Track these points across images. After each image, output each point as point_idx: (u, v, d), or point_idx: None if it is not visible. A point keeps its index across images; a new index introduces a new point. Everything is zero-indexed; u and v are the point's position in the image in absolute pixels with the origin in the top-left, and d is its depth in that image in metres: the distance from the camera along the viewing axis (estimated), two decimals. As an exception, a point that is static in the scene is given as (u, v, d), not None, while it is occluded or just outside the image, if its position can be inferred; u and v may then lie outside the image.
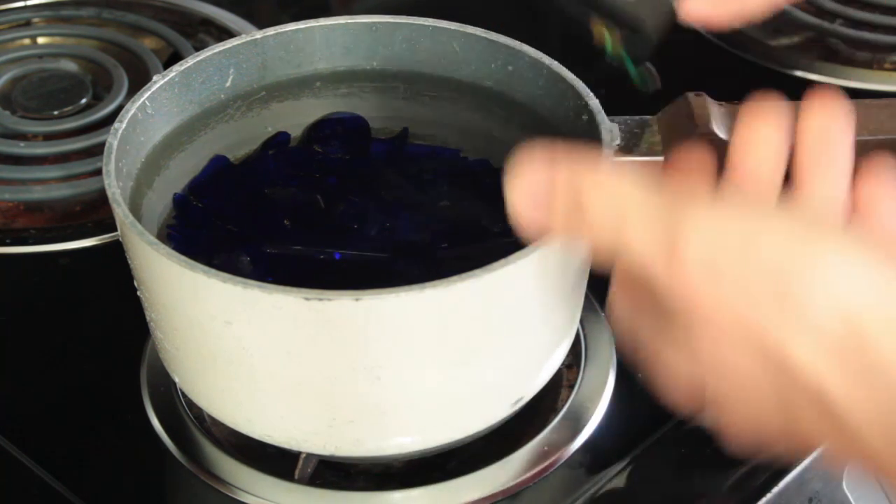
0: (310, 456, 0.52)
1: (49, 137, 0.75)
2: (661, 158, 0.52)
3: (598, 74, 0.49)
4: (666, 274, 0.33)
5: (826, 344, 0.31)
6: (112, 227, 0.67)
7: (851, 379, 0.31)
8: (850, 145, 0.39)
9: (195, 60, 0.54)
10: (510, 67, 0.56)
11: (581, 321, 0.57)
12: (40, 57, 0.84)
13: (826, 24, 0.87)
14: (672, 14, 0.47)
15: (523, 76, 0.55)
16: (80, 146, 0.74)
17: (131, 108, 0.51)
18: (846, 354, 0.31)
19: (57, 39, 0.87)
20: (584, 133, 0.52)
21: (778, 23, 0.92)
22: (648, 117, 0.54)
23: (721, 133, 0.52)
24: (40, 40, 0.87)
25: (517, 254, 0.42)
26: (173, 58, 0.82)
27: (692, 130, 0.52)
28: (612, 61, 0.50)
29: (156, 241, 0.44)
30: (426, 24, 0.57)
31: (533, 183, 0.37)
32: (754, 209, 0.34)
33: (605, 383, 0.57)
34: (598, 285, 0.55)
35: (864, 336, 0.31)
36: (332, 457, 0.51)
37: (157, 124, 0.53)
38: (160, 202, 0.54)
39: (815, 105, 0.39)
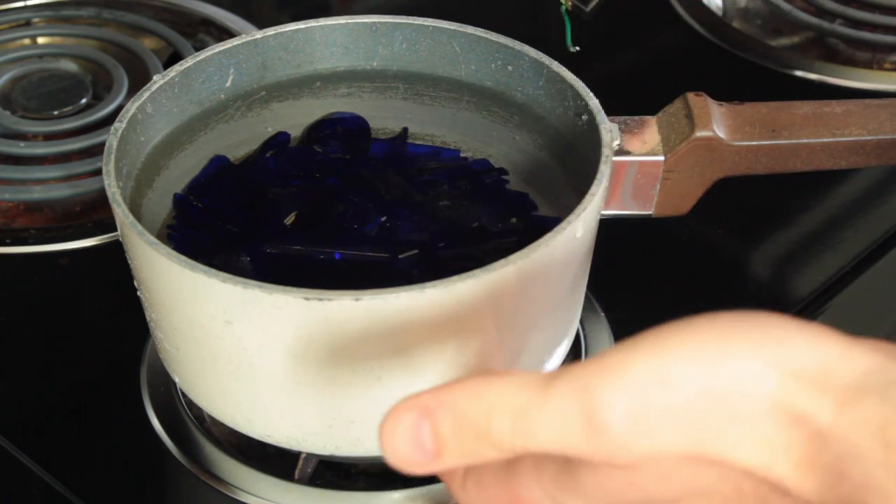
0: (310, 456, 0.52)
1: (49, 137, 0.75)
2: (661, 158, 0.52)
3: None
4: (592, 446, 0.32)
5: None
6: (112, 227, 0.67)
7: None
8: None
9: (195, 60, 0.54)
10: (510, 67, 0.56)
11: (581, 321, 0.57)
12: (40, 57, 0.83)
13: (826, 24, 0.87)
14: None
15: (523, 76, 0.55)
16: (80, 146, 0.74)
17: (131, 108, 0.51)
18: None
19: (57, 39, 0.87)
20: (583, 133, 0.52)
21: (778, 23, 0.92)
22: (648, 117, 0.54)
23: (721, 133, 0.52)
24: (40, 40, 0.87)
25: (517, 254, 0.42)
26: (173, 58, 0.82)
27: (692, 130, 0.52)
28: None
29: (156, 241, 0.44)
30: (426, 24, 0.57)
31: (410, 427, 0.34)
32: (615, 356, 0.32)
33: (605, 383, 0.57)
34: (598, 285, 0.56)
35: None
36: (332, 457, 0.51)
37: (157, 124, 0.53)
38: (160, 202, 0.54)
39: None
